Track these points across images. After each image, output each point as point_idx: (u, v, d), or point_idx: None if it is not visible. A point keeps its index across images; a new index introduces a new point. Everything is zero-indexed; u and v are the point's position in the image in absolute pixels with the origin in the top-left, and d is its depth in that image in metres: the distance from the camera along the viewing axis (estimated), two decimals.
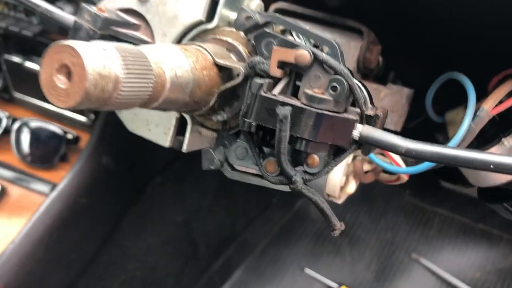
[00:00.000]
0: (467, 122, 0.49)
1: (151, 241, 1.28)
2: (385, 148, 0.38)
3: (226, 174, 0.45)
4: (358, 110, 0.40)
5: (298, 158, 0.41)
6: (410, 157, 0.38)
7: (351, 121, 0.38)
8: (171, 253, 1.31)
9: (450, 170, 0.69)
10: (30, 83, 1.22)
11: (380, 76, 0.77)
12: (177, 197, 1.36)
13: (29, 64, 1.16)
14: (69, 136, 1.16)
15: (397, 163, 0.51)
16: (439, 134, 0.68)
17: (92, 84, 0.31)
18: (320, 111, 0.37)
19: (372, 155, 0.52)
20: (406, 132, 0.73)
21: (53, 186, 1.09)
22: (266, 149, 0.42)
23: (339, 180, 0.56)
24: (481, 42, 0.57)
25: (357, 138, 0.39)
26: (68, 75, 0.32)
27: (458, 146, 0.49)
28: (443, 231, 1.48)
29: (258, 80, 0.39)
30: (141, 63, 0.34)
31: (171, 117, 0.52)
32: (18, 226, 1.03)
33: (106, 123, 1.13)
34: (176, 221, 1.34)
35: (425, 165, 0.48)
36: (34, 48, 1.16)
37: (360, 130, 0.38)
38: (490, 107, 0.51)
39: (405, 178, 0.56)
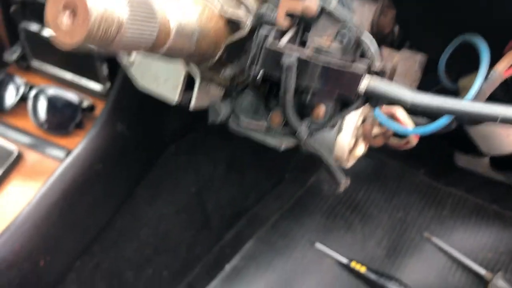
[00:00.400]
0: (479, 83, 0.49)
1: (164, 209, 1.30)
2: (392, 100, 0.37)
3: (232, 127, 0.46)
4: (365, 62, 0.39)
5: (304, 111, 0.41)
6: (417, 110, 0.37)
7: (358, 72, 0.38)
8: (184, 222, 1.33)
9: (462, 138, 0.68)
10: (48, 50, 1.23)
11: (395, 46, 0.76)
12: (190, 168, 1.38)
13: (46, 32, 1.17)
14: (85, 104, 1.17)
15: (406, 125, 0.51)
16: None
17: (95, 25, 0.31)
18: (326, 62, 0.37)
19: (380, 115, 0.52)
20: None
21: (69, 152, 1.11)
22: (272, 102, 0.42)
23: (348, 142, 0.55)
24: (501, 4, 0.56)
25: (363, 91, 0.38)
26: (73, 14, 0.32)
27: None
28: (456, 211, 1.47)
29: (265, 30, 0.39)
30: (146, 9, 0.35)
31: (180, 73, 0.52)
32: (33, 189, 1.05)
33: (121, 91, 1.14)
34: (189, 191, 1.36)
35: (434, 126, 0.47)
36: None
37: (367, 82, 0.38)
38: (503, 68, 0.50)
39: (414, 141, 0.55)
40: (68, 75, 1.24)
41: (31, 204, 1.02)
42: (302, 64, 0.37)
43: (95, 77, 1.20)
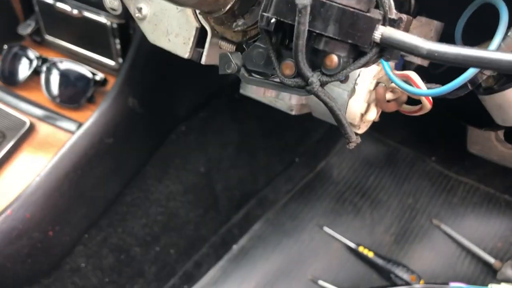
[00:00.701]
0: (497, 41, 0.48)
1: (173, 187, 1.30)
2: (407, 50, 0.37)
3: (243, 79, 0.45)
4: (381, 11, 0.39)
5: (316, 62, 0.40)
6: (433, 59, 0.37)
7: (374, 20, 0.37)
8: (192, 202, 1.33)
9: (475, 112, 0.67)
10: (62, 25, 1.23)
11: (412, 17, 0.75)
12: (200, 148, 1.38)
13: (60, 5, 1.17)
14: (97, 78, 1.17)
15: (419, 87, 0.50)
16: None
17: None
18: (341, 6, 0.37)
19: (393, 77, 0.51)
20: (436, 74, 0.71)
21: (80, 124, 1.11)
22: (284, 53, 0.41)
23: (360, 106, 0.55)
24: None
25: (378, 40, 0.38)
26: None
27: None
28: (467, 199, 1.46)
29: None
30: None
31: (191, 27, 0.51)
32: (44, 160, 1.06)
33: (133, 66, 1.14)
34: (198, 171, 1.36)
35: (449, 87, 0.47)
36: None
37: (382, 31, 0.38)
38: None
39: (428, 106, 0.54)
40: (81, 50, 1.24)
41: (41, 175, 1.03)
42: (317, 6, 0.36)
43: (107, 53, 1.20)
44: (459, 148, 1.53)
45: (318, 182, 1.53)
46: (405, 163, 1.57)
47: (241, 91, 0.51)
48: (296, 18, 0.34)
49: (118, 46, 1.17)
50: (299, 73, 0.38)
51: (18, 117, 1.11)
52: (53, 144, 1.09)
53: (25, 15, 1.28)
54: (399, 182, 1.53)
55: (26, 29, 1.27)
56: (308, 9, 0.33)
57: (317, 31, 0.37)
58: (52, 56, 1.24)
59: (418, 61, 0.62)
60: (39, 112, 1.15)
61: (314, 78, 0.38)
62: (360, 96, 0.55)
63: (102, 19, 1.14)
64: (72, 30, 1.23)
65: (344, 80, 0.42)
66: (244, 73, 0.44)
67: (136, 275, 1.20)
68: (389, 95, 0.56)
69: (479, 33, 0.63)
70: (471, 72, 0.47)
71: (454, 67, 0.73)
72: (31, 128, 1.11)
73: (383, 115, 0.63)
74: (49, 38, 1.28)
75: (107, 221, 1.18)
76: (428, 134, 1.57)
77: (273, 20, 0.39)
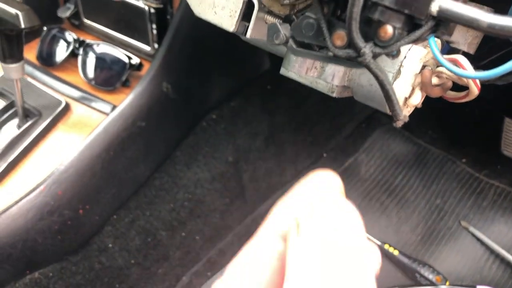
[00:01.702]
0: None
1: (201, 175, 1.30)
2: (466, 23, 0.36)
3: (290, 51, 0.45)
4: None
5: (368, 34, 0.40)
6: (493, 34, 0.36)
7: None
8: (219, 190, 1.33)
9: None
10: (100, 9, 1.25)
11: None
12: (229, 137, 1.38)
13: None
14: (133, 62, 1.19)
15: (465, 69, 0.49)
16: None
17: None
18: None
19: (441, 60, 0.50)
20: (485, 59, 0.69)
21: (114, 107, 1.13)
22: (336, 24, 0.41)
23: (405, 89, 0.54)
24: None
25: (435, 12, 0.37)
26: None
27: None
28: (498, 203, 1.43)
29: None
30: None
31: (238, 1, 0.51)
32: (78, 140, 1.08)
33: (168, 51, 1.15)
34: (226, 160, 1.36)
35: (499, 70, 0.45)
36: None
37: (440, 2, 0.37)
38: None
39: (475, 92, 0.53)
40: (118, 35, 1.26)
41: (74, 154, 1.05)
42: None
43: (144, 39, 1.22)
44: (492, 150, 1.50)
45: (345, 179, 1.52)
46: (434, 163, 1.55)
47: (282, 71, 0.50)
48: None
49: (155, 32, 1.18)
50: (351, 43, 0.38)
51: (54, 97, 1.13)
52: (87, 125, 1.11)
53: None
54: (428, 182, 1.51)
55: (65, 12, 1.29)
56: None
57: (373, 0, 0.37)
58: (89, 39, 1.26)
59: (464, 47, 0.61)
60: (74, 93, 1.17)
61: (367, 49, 0.38)
62: (405, 78, 0.54)
63: (140, 3, 1.16)
64: (109, 15, 1.24)
65: (396, 54, 0.41)
66: (293, 44, 0.44)
67: (161, 259, 1.21)
68: (434, 80, 0.55)
69: None
70: None
71: (502, 58, 0.71)
72: (67, 108, 1.13)
73: (414, 115, 0.62)
74: (87, 21, 1.30)
75: (136, 203, 1.19)
76: (460, 136, 1.55)
77: None
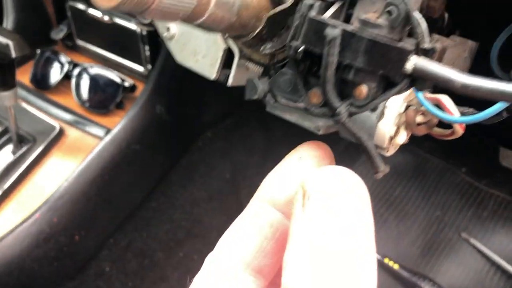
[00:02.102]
0: None
1: (198, 194, 1.30)
2: (440, 82, 0.35)
3: (268, 108, 0.44)
4: (414, 41, 0.37)
5: (345, 91, 0.39)
6: (467, 94, 0.35)
7: (405, 50, 0.36)
8: (217, 208, 1.33)
9: (510, 131, 0.64)
10: (93, 30, 1.25)
11: (445, 34, 0.73)
12: (225, 154, 1.37)
13: (92, 11, 1.19)
14: (126, 84, 1.18)
15: (452, 113, 0.48)
16: None
17: None
18: (372, 36, 0.35)
19: (424, 102, 0.49)
20: None
21: (108, 130, 1.13)
22: (312, 81, 0.41)
23: (389, 129, 0.53)
24: None
25: (410, 71, 0.36)
26: None
27: None
28: (498, 213, 1.42)
29: (309, 1, 0.38)
30: None
31: (219, 49, 0.51)
32: (73, 165, 1.08)
33: (161, 73, 1.15)
34: (223, 177, 1.36)
35: (484, 114, 0.45)
36: None
37: (414, 61, 0.36)
38: None
39: (459, 132, 0.52)
40: (111, 56, 1.26)
41: (69, 180, 1.05)
42: (346, 38, 0.35)
43: (137, 59, 1.22)
44: (491, 160, 1.49)
45: None
46: (434, 174, 1.54)
47: (268, 109, 0.50)
48: (325, 49, 0.33)
49: (148, 53, 1.17)
50: (326, 103, 0.37)
51: (48, 122, 1.13)
52: (82, 149, 1.11)
53: (58, 19, 1.31)
54: (427, 193, 1.50)
55: (58, 34, 1.29)
56: (338, 40, 0.32)
57: (346, 62, 0.36)
58: (82, 61, 1.26)
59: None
60: (68, 117, 1.17)
61: (342, 108, 0.37)
62: (389, 119, 0.53)
63: (132, 25, 1.15)
64: (102, 36, 1.24)
65: (374, 109, 0.40)
66: (271, 99, 0.43)
67: (159, 280, 1.20)
68: (419, 118, 0.55)
69: None
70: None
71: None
72: (61, 133, 1.13)
73: None
74: (80, 43, 1.30)
75: (132, 226, 1.19)
76: (459, 145, 1.53)
77: (301, 49, 0.38)
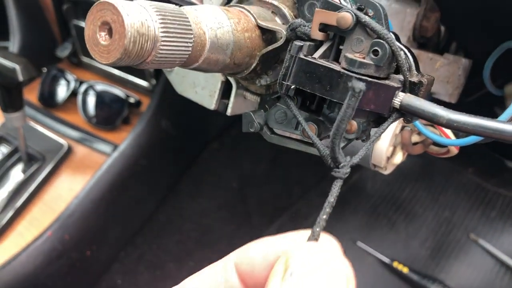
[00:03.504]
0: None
1: (206, 204, 1.32)
2: (426, 118, 0.36)
3: (265, 137, 0.46)
4: (401, 77, 0.38)
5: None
6: (452, 129, 0.36)
7: (392, 88, 0.37)
8: (225, 217, 1.35)
9: (509, 145, 0.65)
10: None
11: (441, 47, 0.74)
12: (232, 163, 1.39)
13: None
14: (132, 100, 1.20)
15: (447, 135, 0.49)
16: (498, 109, 0.64)
17: (131, 41, 0.32)
18: (359, 76, 0.37)
19: (420, 126, 0.50)
20: (464, 106, 0.70)
21: (115, 147, 1.15)
22: (305, 114, 0.42)
23: (386, 150, 0.54)
24: None
25: (397, 106, 0.37)
26: (110, 32, 0.33)
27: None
28: (506, 213, 1.42)
29: (298, 43, 0.39)
30: (181, 22, 0.35)
31: (217, 81, 0.52)
32: (82, 182, 1.10)
33: (166, 88, 1.16)
34: (231, 186, 1.37)
35: (474, 138, 0.46)
36: None
37: (401, 98, 0.37)
38: None
39: (454, 151, 0.53)
40: (115, 72, 1.27)
41: (79, 197, 1.07)
42: (334, 76, 0.37)
43: (141, 74, 1.23)
44: (498, 159, 1.49)
45: (352, 196, 1.52)
46: (441, 175, 1.54)
47: (266, 138, 0.51)
48: (347, 100, 0.31)
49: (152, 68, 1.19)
50: (332, 157, 0.38)
51: (57, 140, 1.15)
52: (90, 166, 1.13)
53: (63, 38, 1.33)
54: (435, 194, 1.50)
55: (63, 51, 1.31)
56: (362, 93, 0.32)
57: (335, 100, 0.38)
58: (88, 77, 1.28)
59: (445, 98, 0.61)
60: (76, 134, 1.19)
61: (345, 168, 0.38)
62: (385, 140, 0.54)
63: None
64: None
65: (366, 139, 0.41)
66: (267, 131, 0.45)
67: None
68: (415, 138, 0.56)
69: (509, 70, 0.61)
70: None
71: (487, 95, 0.72)
72: (69, 150, 1.15)
73: None
74: (85, 59, 1.32)
75: (142, 239, 1.21)
76: (465, 146, 1.54)
77: (292, 87, 0.40)
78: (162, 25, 0.33)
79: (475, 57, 0.61)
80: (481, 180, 1.49)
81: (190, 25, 0.36)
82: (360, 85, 0.31)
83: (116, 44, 0.32)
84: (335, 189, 0.35)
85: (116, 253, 1.16)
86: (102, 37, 0.34)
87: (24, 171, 1.12)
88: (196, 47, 0.37)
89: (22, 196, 1.09)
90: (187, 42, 0.36)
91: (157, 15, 0.33)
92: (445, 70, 0.60)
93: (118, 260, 1.17)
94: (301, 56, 0.38)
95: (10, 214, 1.06)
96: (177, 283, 0.36)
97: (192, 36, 0.36)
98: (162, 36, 0.33)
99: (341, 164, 0.36)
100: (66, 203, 1.07)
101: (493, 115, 0.56)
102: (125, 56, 0.32)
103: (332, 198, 0.35)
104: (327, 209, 0.35)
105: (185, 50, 0.36)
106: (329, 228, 1.24)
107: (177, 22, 0.35)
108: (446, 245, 1.40)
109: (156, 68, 0.36)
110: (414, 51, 0.62)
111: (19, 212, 1.08)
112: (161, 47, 0.34)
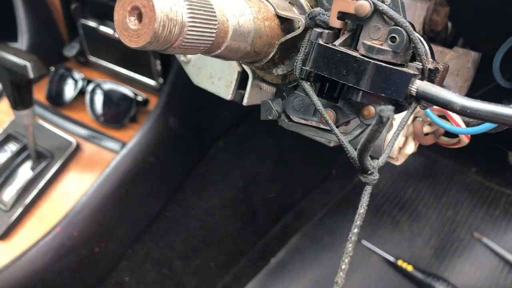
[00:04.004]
0: None
1: (212, 202, 1.33)
2: (441, 105, 0.38)
3: (283, 125, 0.47)
4: (417, 64, 0.40)
5: (355, 110, 0.42)
6: (465, 115, 0.37)
7: (408, 74, 0.38)
8: (231, 216, 1.36)
9: None
10: (104, 47, 1.28)
11: (448, 42, 0.75)
12: (238, 162, 1.40)
13: (103, 28, 1.22)
14: (139, 98, 1.21)
15: (457, 124, 0.50)
16: (507, 102, 0.65)
17: (161, 25, 0.33)
18: (377, 62, 0.38)
19: (432, 115, 0.51)
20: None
21: (123, 144, 1.16)
22: (323, 101, 0.43)
23: (398, 140, 0.56)
24: None
25: (414, 93, 0.39)
26: (139, 17, 0.34)
27: None
28: (509, 212, 1.43)
29: (318, 29, 0.40)
30: (206, 9, 0.36)
31: (234, 71, 0.53)
32: (90, 180, 1.11)
33: (173, 87, 1.17)
34: (236, 185, 1.38)
35: (485, 126, 0.47)
36: (108, 13, 1.22)
37: (417, 85, 0.38)
38: None
39: (465, 140, 0.55)
40: (123, 71, 1.29)
41: (87, 194, 1.08)
42: (353, 62, 0.38)
43: (148, 73, 1.24)
44: (501, 158, 1.50)
45: (356, 195, 1.53)
46: (444, 174, 1.55)
47: (284, 126, 0.52)
48: (376, 125, 0.32)
49: (159, 67, 1.20)
50: (360, 164, 0.39)
51: (65, 138, 1.16)
52: (98, 163, 1.14)
53: (70, 37, 1.34)
54: (439, 194, 1.52)
55: (71, 50, 1.32)
56: (390, 121, 0.33)
57: (351, 84, 0.39)
58: (95, 76, 1.29)
59: (455, 90, 0.62)
60: (84, 132, 1.20)
61: (374, 174, 0.39)
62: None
63: None
64: (114, 52, 1.27)
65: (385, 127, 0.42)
66: (285, 119, 0.46)
67: None
68: (426, 128, 0.57)
69: None
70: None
71: (495, 89, 0.73)
72: (77, 148, 1.16)
73: None
74: (92, 59, 1.33)
75: (150, 236, 1.22)
76: (468, 145, 1.55)
77: (313, 72, 0.41)
78: (189, 11, 0.35)
79: (484, 49, 0.63)
80: (484, 179, 1.50)
81: (215, 12, 0.37)
82: (388, 113, 0.31)
83: (146, 28, 0.34)
84: (365, 198, 0.36)
85: (123, 250, 1.17)
86: (132, 22, 0.35)
87: (33, 169, 1.13)
88: (220, 33, 0.38)
89: (31, 193, 1.10)
90: (211, 29, 0.37)
91: (184, 1, 0.34)
92: (455, 63, 0.61)
93: (126, 257, 1.18)
94: (320, 42, 0.40)
95: (19, 211, 1.07)
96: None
97: (216, 22, 0.37)
98: (189, 22, 0.35)
99: (369, 171, 0.37)
100: (75, 200, 1.08)
101: None
102: (154, 40, 0.34)
103: (362, 209, 0.36)
104: (357, 221, 0.36)
105: (209, 36, 0.37)
106: (333, 227, 1.27)
107: (203, 9, 0.36)
108: (450, 243, 1.41)
109: (181, 53, 0.37)
110: None
111: (28, 209, 1.09)
112: (188, 32, 0.35)
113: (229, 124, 1.39)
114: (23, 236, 1.06)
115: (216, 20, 0.37)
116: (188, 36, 0.35)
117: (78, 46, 1.32)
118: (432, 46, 0.64)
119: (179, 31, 0.34)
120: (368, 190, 0.37)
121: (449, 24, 0.73)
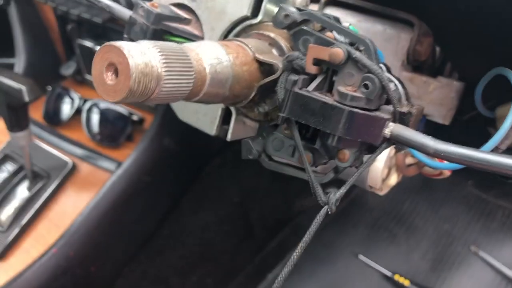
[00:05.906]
0: (510, 120, 0.48)
1: (208, 218, 1.33)
2: (415, 147, 0.38)
3: (263, 164, 0.48)
4: (391, 108, 0.40)
5: (329, 153, 0.42)
6: (439, 158, 0.38)
7: (382, 119, 0.39)
8: (227, 232, 1.36)
9: None
10: None
11: (436, 67, 0.76)
12: (234, 178, 1.41)
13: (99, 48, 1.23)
14: (135, 118, 1.22)
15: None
16: (491, 128, 0.66)
17: (136, 82, 0.34)
18: (350, 109, 0.39)
19: (413, 150, 0.52)
20: (458, 125, 0.72)
21: (119, 164, 1.17)
22: (302, 142, 0.44)
23: (381, 172, 0.56)
24: None
25: (388, 136, 0.39)
26: (116, 72, 0.35)
27: (501, 144, 0.48)
28: (507, 225, 1.43)
29: (293, 77, 0.41)
30: (182, 60, 0.37)
31: (218, 108, 0.54)
32: (86, 199, 1.12)
33: (168, 107, 1.18)
34: (232, 201, 1.39)
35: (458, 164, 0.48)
36: (104, 33, 1.24)
37: (391, 128, 0.39)
38: None
39: (447, 173, 0.55)
40: None
41: (83, 214, 1.09)
42: (328, 109, 0.39)
43: None
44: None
45: (353, 209, 1.54)
46: (441, 187, 1.55)
47: (264, 165, 0.53)
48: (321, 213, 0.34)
49: None
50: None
51: (61, 158, 1.18)
52: (94, 183, 1.15)
53: (67, 56, 1.35)
54: (435, 207, 1.52)
55: (68, 70, 1.33)
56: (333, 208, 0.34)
57: (328, 131, 0.40)
58: (92, 95, 1.30)
59: (439, 120, 0.63)
60: (80, 152, 1.21)
61: (332, 205, 0.41)
62: (380, 162, 0.56)
63: None
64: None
65: (358, 166, 0.43)
66: (265, 158, 0.47)
67: None
68: (409, 160, 0.58)
69: (503, 90, 0.63)
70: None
71: (481, 114, 0.73)
72: (74, 168, 1.17)
73: None
74: (89, 77, 1.34)
75: (146, 254, 1.22)
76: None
77: (292, 119, 0.41)
78: (165, 65, 0.36)
79: (469, 78, 0.63)
80: (481, 192, 1.50)
81: (191, 63, 0.38)
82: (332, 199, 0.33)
83: (122, 84, 0.34)
84: (314, 226, 0.39)
85: (120, 269, 1.18)
86: (109, 77, 0.36)
87: (29, 189, 1.14)
88: (197, 82, 0.39)
89: (27, 213, 1.11)
90: (188, 79, 0.38)
91: (160, 55, 0.35)
92: (439, 93, 0.62)
93: (122, 275, 1.19)
94: (296, 90, 0.40)
95: (16, 231, 1.08)
96: None
97: (193, 73, 0.38)
98: (165, 75, 0.36)
99: (327, 200, 0.39)
100: (71, 220, 1.09)
101: (487, 134, 0.58)
102: (130, 95, 0.35)
103: (308, 235, 0.38)
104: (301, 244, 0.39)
105: (186, 86, 0.38)
106: (330, 241, 1.27)
107: (179, 61, 0.37)
108: (447, 257, 1.41)
109: (160, 103, 0.38)
110: (408, 74, 0.64)
111: (24, 229, 1.10)
112: (164, 85, 0.36)
113: (225, 141, 1.40)
114: (20, 256, 1.07)
115: (192, 71, 0.38)
116: (165, 89, 0.36)
117: (75, 65, 1.34)
118: (416, 76, 0.65)
119: (155, 84, 0.35)
120: (319, 219, 0.40)
121: (437, 49, 0.74)
